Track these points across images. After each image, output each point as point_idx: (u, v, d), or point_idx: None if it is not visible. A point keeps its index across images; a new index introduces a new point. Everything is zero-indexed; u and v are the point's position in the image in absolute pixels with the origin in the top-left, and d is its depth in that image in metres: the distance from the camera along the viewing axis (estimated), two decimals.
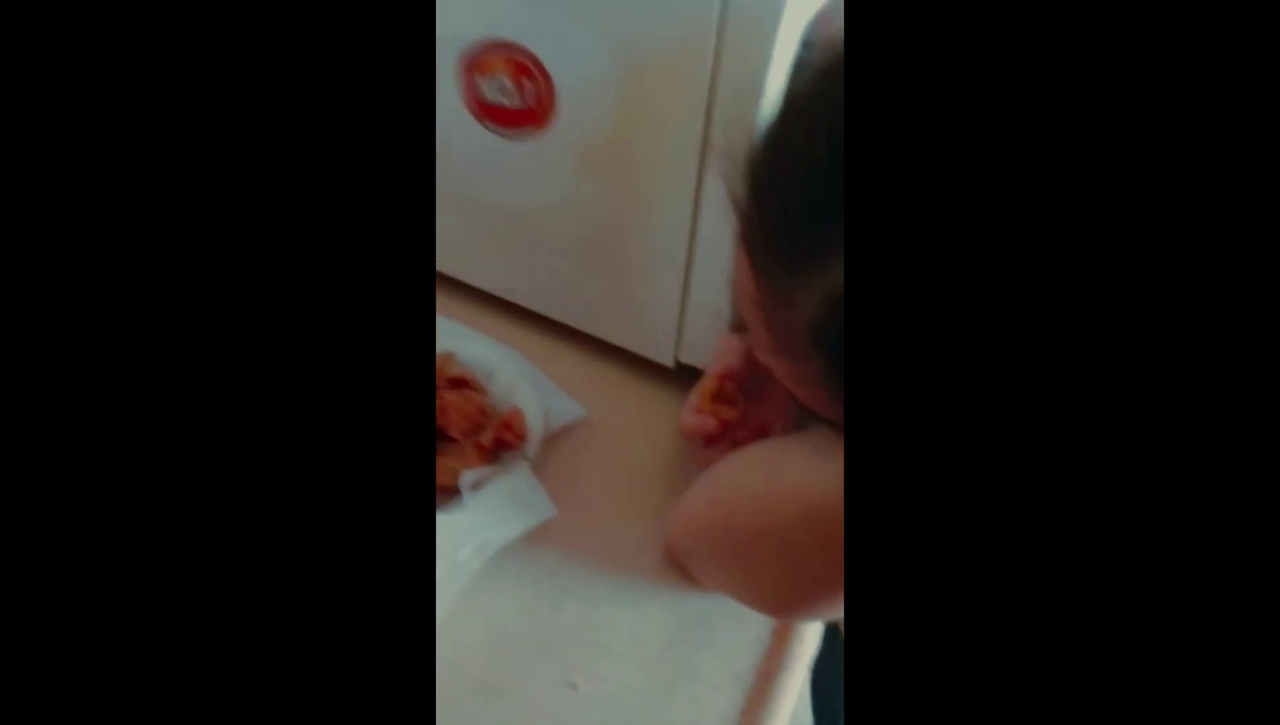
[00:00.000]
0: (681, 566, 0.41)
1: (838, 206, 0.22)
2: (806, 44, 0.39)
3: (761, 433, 0.42)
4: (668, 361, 0.51)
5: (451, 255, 0.56)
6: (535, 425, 0.46)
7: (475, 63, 0.45)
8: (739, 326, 0.47)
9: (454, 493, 0.41)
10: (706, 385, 0.43)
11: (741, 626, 0.40)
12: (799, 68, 0.38)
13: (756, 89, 0.39)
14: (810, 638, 0.41)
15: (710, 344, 0.49)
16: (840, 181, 0.21)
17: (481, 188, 0.51)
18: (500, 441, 0.44)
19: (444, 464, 0.42)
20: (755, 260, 0.27)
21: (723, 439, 0.42)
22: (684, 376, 0.51)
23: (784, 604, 0.35)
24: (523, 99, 0.45)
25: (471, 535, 0.39)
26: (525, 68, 0.44)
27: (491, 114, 0.47)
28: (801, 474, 0.32)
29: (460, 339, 0.50)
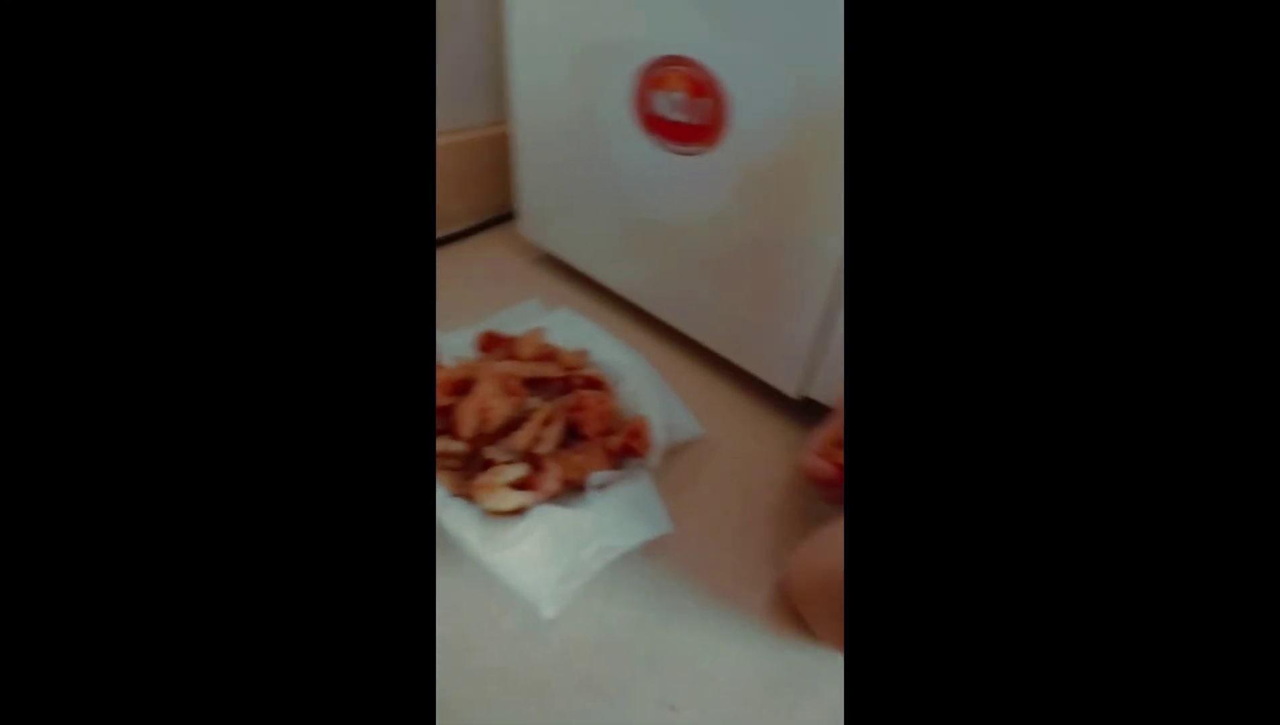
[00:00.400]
0: (791, 609, 0.41)
1: None
2: None
3: None
4: (791, 392, 0.51)
5: (597, 258, 0.57)
6: (660, 436, 0.46)
7: (653, 77, 0.46)
8: None
9: (581, 491, 0.42)
10: (830, 428, 0.43)
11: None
12: None
13: None
14: None
15: (838, 382, 0.48)
16: None
17: (638, 197, 0.51)
18: (628, 448, 0.44)
19: (575, 461, 0.42)
20: None
21: (840, 486, 0.41)
22: (805, 410, 0.50)
23: None
24: (696, 116, 0.45)
25: (595, 537, 0.39)
26: (702, 86, 0.44)
27: (662, 128, 0.47)
28: None
29: (595, 339, 0.51)
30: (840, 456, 0.42)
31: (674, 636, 0.40)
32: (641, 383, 0.49)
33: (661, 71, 0.46)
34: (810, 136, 0.42)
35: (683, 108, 0.46)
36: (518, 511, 0.40)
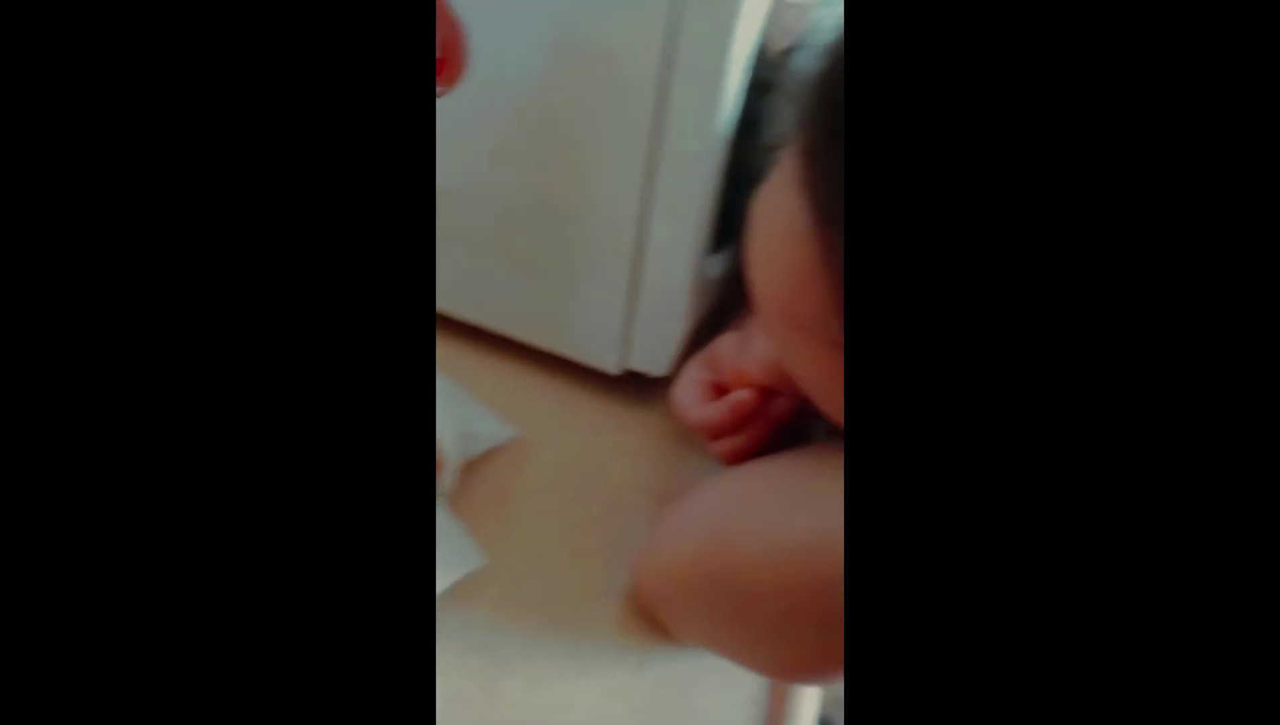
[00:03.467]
0: (652, 618, 0.33)
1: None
2: None
3: (775, 428, 0.34)
4: (611, 368, 0.43)
5: None
6: (450, 451, 0.37)
7: None
8: (707, 330, 0.41)
9: None
10: (702, 361, 0.36)
11: (729, 690, 0.32)
12: None
13: (725, 37, 0.33)
14: (812, 699, 0.33)
15: (663, 348, 0.42)
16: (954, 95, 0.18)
17: None
18: None
19: None
20: (840, 226, 0.20)
21: (743, 429, 0.34)
22: (633, 387, 0.43)
23: (800, 668, 0.28)
24: None
25: None
26: None
27: None
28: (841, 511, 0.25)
29: None
30: (737, 381, 0.35)
31: (508, 698, 0.31)
32: None
33: None
34: (568, 73, 0.35)
35: None
36: None
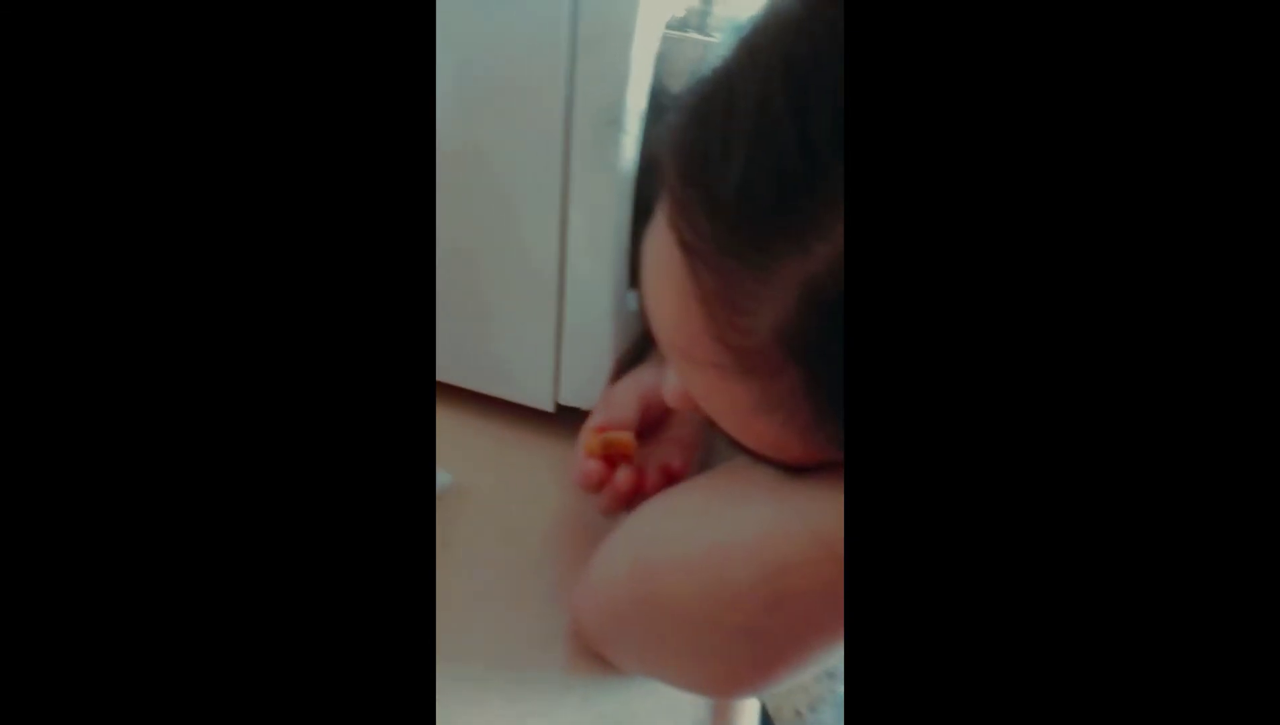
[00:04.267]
0: (595, 654, 0.33)
1: (815, 168, 0.18)
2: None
3: (669, 478, 0.35)
4: (546, 405, 0.44)
5: None
6: None
7: None
8: (627, 362, 0.42)
9: None
10: (593, 426, 0.37)
11: (673, 716, 0.33)
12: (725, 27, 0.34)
13: (622, 76, 0.34)
14: (750, 716, 0.34)
15: (593, 381, 0.42)
16: (813, 139, 0.18)
17: None
18: None
19: None
20: (701, 255, 0.21)
21: (622, 485, 0.35)
22: (567, 421, 0.44)
23: (734, 682, 0.28)
24: None
25: None
26: None
27: None
28: (757, 524, 0.25)
29: None
30: (614, 448, 0.35)
31: None
32: None
33: None
34: (483, 120, 0.36)
35: None
36: None
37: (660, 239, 0.23)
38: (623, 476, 0.35)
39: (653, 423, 0.39)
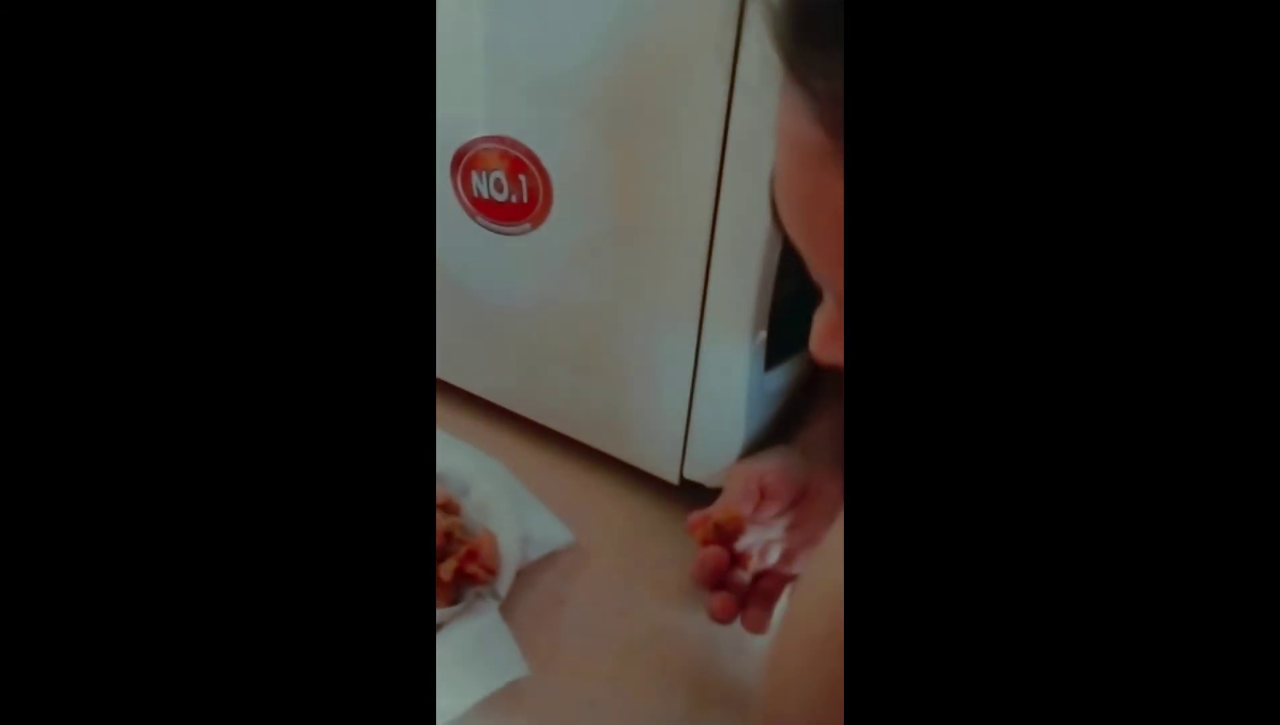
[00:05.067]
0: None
1: None
2: None
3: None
4: (671, 478, 0.44)
5: (441, 356, 0.52)
6: (510, 554, 0.38)
7: (470, 159, 0.43)
8: (753, 448, 0.41)
9: None
10: (699, 518, 0.36)
11: None
12: None
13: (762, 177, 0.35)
14: None
15: (720, 459, 0.42)
16: None
17: (474, 286, 0.47)
18: (464, 574, 0.36)
19: None
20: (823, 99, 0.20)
21: (738, 583, 0.34)
22: (690, 495, 0.43)
23: None
24: (517, 194, 0.42)
25: None
26: (520, 163, 0.41)
27: (485, 209, 0.44)
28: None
29: (438, 446, 0.43)
30: (724, 528, 0.35)
31: None
32: (492, 490, 0.41)
33: (479, 153, 0.42)
34: (636, 208, 0.39)
35: (503, 187, 0.42)
36: None
37: (789, 132, 0.22)
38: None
39: (795, 496, 0.38)
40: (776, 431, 0.45)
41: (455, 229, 0.45)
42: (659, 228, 0.38)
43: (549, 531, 0.41)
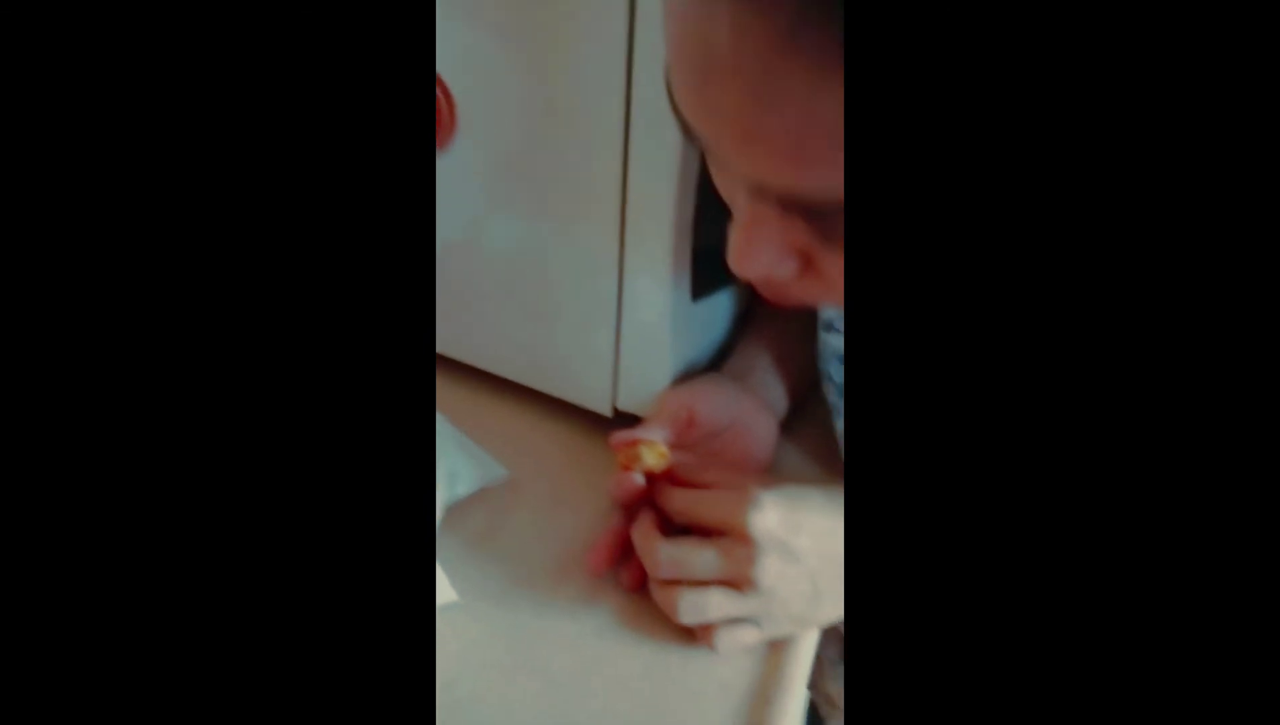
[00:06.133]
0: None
1: None
2: None
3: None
4: (604, 409, 0.44)
5: None
6: (438, 491, 0.38)
7: None
8: (687, 378, 0.41)
9: None
10: (626, 438, 0.37)
11: (706, 704, 0.32)
12: None
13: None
14: (799, 699, 0.33)
15: (651, 389, 0.42)
16: None
17: None
18: None
19: None
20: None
21: (654, 507, 0.35)
22: (625, 426, 0.44)
23: None
24: None
25: None
26: None
27: None
28: None
29: None
30: (651, 463, 0.35)
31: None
32: None
33: None
34: (546, 126, 0.37)
35: None
36: None
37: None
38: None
39: (714, 435, 0.38)
40: (718, 361, 0.45)
41: None
42: (568, 142, 0.37)
43: (480, 468, 0.41)
